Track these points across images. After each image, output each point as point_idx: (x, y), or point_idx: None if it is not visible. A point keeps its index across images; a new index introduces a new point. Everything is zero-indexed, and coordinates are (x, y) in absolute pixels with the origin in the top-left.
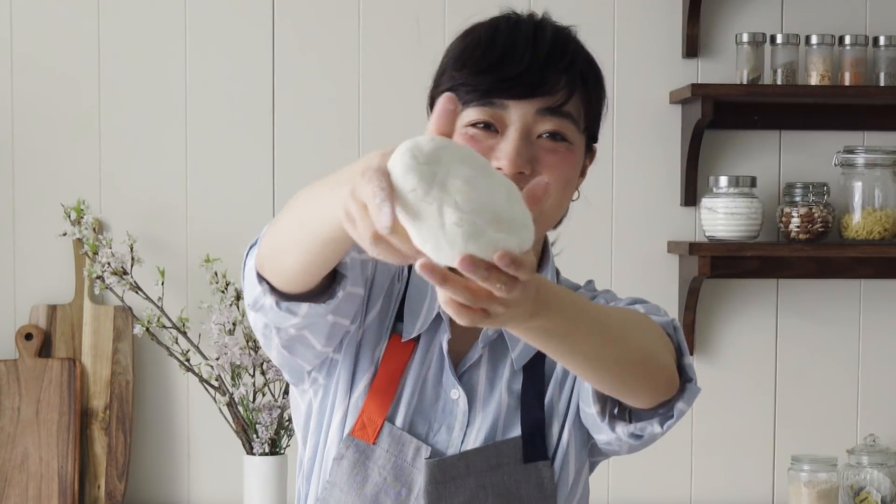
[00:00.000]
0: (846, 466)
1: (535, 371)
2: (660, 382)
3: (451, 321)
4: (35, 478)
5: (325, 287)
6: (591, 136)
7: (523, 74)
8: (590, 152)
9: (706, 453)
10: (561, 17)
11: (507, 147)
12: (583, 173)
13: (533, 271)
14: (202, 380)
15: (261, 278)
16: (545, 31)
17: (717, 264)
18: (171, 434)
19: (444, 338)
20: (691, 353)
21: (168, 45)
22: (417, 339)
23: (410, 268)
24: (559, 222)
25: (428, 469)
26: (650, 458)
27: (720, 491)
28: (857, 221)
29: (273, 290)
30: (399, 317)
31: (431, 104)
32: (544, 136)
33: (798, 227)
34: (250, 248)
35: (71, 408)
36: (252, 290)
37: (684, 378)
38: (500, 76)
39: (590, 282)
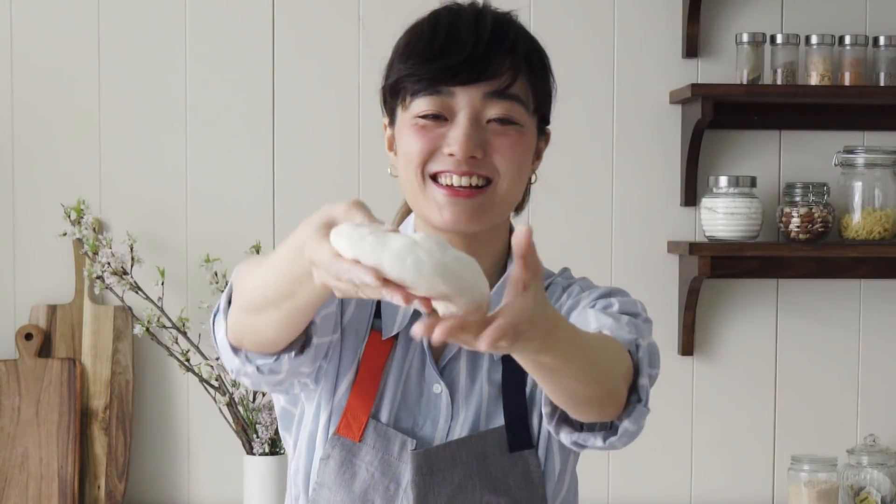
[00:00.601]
0: (846, 466)
1: (514, 360)
2: (613, 408)
3: (430, 316)
4: (35, 478)
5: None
6: (543, 117)
7: (467, 60)
8: (543, 135)
9: (706, 453)
10: (561, 18)
11: (457, 132)
12: (539, 156)
13: (521, 319)
14: (202, 380)
15: (236, 349)
16: (486, 18)
17: (717, 264)
18: (171, 434)
19: None
20: (691, 353)
21: (168, 45)
22: (397, 335)
23: None
24: (521, 207)
25: (414, 460)
26: (650, 458)
27: (720, 491)
28: (857, 221)
29: (250, 355)
30: (378, 314)
31: (384, 99)
32: (494, 120)
33: (798, 227)
34: (214, 316)
35: (71, 408)
36: (231, 362)
37: (636, 397)
38: (445, 64)
39: (565, 269)
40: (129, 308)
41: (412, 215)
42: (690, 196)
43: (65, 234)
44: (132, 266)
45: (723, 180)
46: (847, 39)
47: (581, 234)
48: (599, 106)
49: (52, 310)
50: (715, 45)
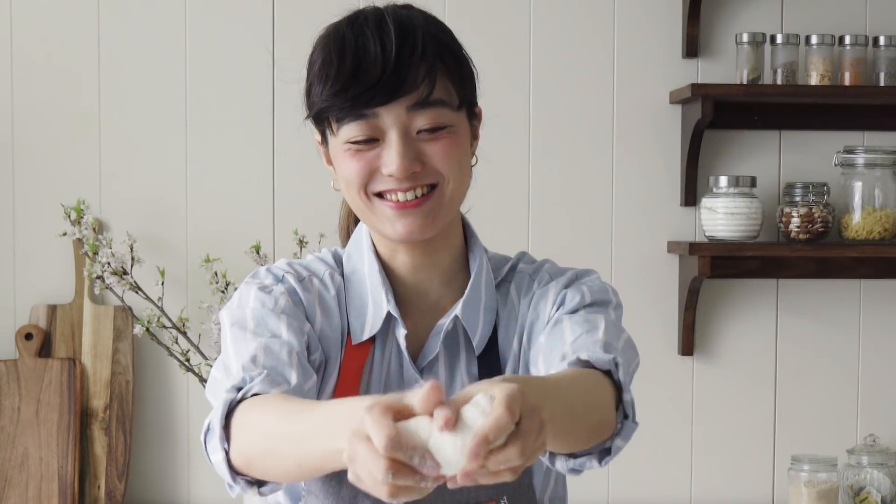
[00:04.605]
0: (846, 466)
1: (490, 357)
2: (603, 433)
3: (405, 316)
4: (35, 478)
5: None
6: (470, 104)
7: (381, 79)
8: (475, 116)
9: (706, 453)
10: (562, 18)
11: (391, 153)
12: (475, 136)
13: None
14: (202, 380)
15: (235, 475)
16: (388, 27)
17: (717, 264)
18: (171, 434)
19: (401, 334)
20: (691, 353)
21: (168, 45)
22: (374, 338)
23: (343, 276)
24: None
25: None
26: (650, 458)
27: (720, 491)
28: (857, 221)
29: (253, 482)
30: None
31: (315, 120)
32: (424, 130)
33: (798, 227)
34: (206, 434)
35: (71, 408)
36: (229, 482)
37: (623, 414)
38: (361, 88)
39: (524, 254)
40: (129, 308)
41: (362, 225)
42: (690, 196)
43: (65, 234)
44: (132, 266)
45: (723, 180)
46: (847, 39)
47: (581, 234)
48: (599, 106)
49: (52, 310)
50: (715, 45)
